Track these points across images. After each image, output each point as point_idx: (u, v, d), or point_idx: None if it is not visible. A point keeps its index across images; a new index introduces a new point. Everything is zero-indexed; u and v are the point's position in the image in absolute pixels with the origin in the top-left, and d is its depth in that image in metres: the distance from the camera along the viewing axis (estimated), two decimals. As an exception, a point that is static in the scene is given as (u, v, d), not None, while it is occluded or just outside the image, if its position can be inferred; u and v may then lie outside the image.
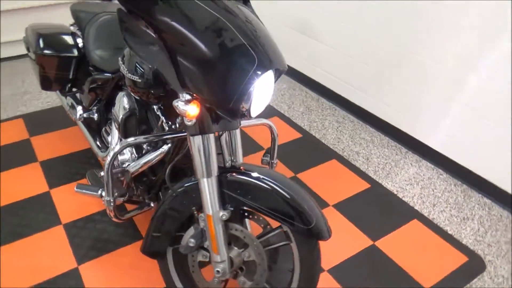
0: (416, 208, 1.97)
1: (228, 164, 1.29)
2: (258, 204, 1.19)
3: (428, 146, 2.26)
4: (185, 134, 1.27)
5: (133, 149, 1.58)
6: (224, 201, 1.22)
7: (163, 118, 1.41)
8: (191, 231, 1.26)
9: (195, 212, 1.24)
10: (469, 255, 1.75)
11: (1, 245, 1.69)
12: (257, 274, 1.27)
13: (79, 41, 1.89)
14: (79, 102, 1.94)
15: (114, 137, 1.69)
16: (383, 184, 2.11)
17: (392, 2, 2.17)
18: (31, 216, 1.83)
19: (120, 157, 1.56)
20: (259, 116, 1.19)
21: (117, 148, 1.28)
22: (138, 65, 1.28)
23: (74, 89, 2.03)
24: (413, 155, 2.33)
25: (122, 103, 1.52)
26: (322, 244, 1.22)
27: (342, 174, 2.15)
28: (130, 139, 1.28)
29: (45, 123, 2.47)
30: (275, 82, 1.15)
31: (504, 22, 1.77)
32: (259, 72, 0.99)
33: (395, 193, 2.06)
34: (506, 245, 1.82)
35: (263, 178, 1.19)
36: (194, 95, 1.05)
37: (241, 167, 1.26)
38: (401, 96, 2.32)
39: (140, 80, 1.28)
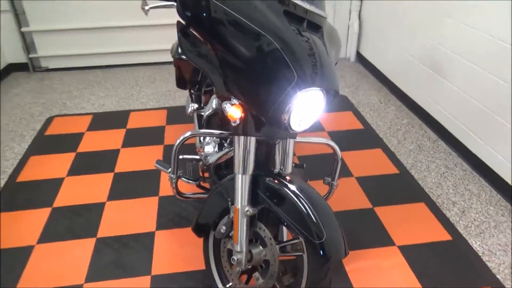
0: (498, 277, 1.71)
1: (276, 171, 1.43)
2: (280, 210, 1.29)
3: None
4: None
5: (216, 145, 1.85)
6: (255, 200, 1.36)
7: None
8: (224, 219, 1.44)
9: (230, 204, 1.41)
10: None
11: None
12: (268, 274, 1.36)
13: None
14: (195, 101, 2.33)
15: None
16: (469, 241, 1.88)
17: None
18: (139, 184, 2.29)
19: (206, 148, 1.85)
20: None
21: (186, 135, 1.55)
22: None
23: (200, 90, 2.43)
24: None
25: (211, 104, 1.80)
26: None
27: (425, 219, 2.00)
28: (191, 132, 1.52)
29: (181, 116, 2.99)
30: (327, 102, 1.24)
31: None
32: (297, 89, 1.11)
33: (480, 254, 1.82)
34: None
35: (295, 192, 1.30)
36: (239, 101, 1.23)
37: (286, 176, 1.38)
38: (526, 153, 2.02)
39: None
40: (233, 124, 1.29)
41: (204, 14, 1.16)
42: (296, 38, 1.18)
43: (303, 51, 1.15)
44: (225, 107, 1.26)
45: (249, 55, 1.15)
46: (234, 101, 1.24)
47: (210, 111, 1.76)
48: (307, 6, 1.23)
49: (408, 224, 1.98)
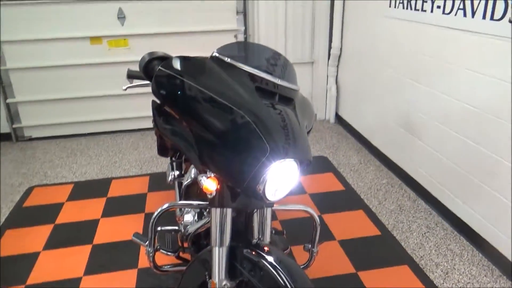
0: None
1: (254, 241, 1.42)
2: (258, 283, 1.27)
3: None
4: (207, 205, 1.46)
5: (196, 214, 1.84)
6: (233, 272, 1.33)
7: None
8: (201, 294, 1.40)
9: (207, 278, 1.38)
10: None
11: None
12: None
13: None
14: (175, 168, 2.34)
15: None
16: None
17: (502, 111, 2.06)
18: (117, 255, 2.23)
19: (185, 218, 1.84)
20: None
21: (163, 207, 1.55)
22: None
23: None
24: (507, 281, 1.99)
25: (190, 173, 1.82)
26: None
27: (408, 283, 1.98)
28: (169, 204, 1.52)
29: (164, 183, 2.99)
30: (301, 172, 1.27)
31: None
32: (271, 160, 1.14)
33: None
34: None
35: (273, 263, 1.28)
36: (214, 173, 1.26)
37: (265, 247, 1.38)
38: (502, 211, 2.05)
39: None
40: (209, 196, 1.30)
41: (179, 93, 1.22)
42: (268, 112, 1.23)
43: (275, 123, 1.20)
44: (200, 180, 1.28)
45: (223, 130, 1.19)
46: (210, 173, 1.27)
47: (189, 180, 1.77)
48: (278, 81, 1.31)
49: (393, 288, 1.95)
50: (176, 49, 3.76)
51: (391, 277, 2.02)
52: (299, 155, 1.22)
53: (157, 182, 3.03)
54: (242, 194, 1.31)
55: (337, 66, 4.05)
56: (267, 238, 1.43)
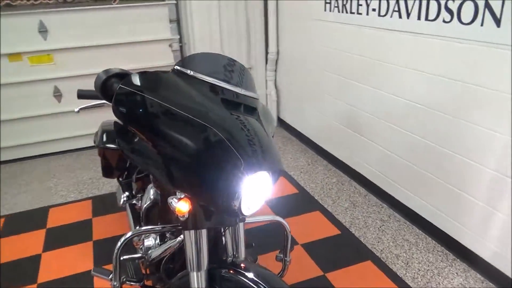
0: (455, 326, 1.76)
1: (229, 260, 1.35)
2: None
3: (477, 254, 2.05)
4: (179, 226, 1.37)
5: (157, 237, 1.72)
6: None
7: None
8: (181, 324, 1.30)
9: (185, 305, 1.29)
10: None
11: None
12: None
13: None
14: (126, 189, 2.19)
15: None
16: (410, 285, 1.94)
17: (438, 100, 2.18)
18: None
19: (146, 243, 1.71)
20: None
21: (128, 235, 1.42)
22: None
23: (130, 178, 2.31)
24: (461, 264, 2.12)
25: (148, 194, 1.70)
26: None
27: (375, 278, 2.03)
28: (133, 232, 1.41)
29: (109, 205, 2.78)
30: (274, 182, 1.23)
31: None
32: (245, 174, 1.07)
33: (432, 305, 1.87)
34: None
35: (254, 279, 1.22)
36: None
37: (241, 264, 1.31)
38: (449, 198, 2.19)
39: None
40: (181, 219, 1.22)
41: (143, 111, 1.12)
42: (237, 125, 1.18)
43: (245, 136, 1.15)
44: (171, 202, 1.19)
45: (194, 147, 1.12)
46: (180, 194, 1.19)
47: (149, 203, 1.65)
48: (241, 91, 1.26)
49: (363, 285, 1.98)
50: (108, 62, 3.54)
51: (358, 274, 2.06)
52: (272, 165, 1.18)
53: (101, 205, 2.81)
54: (216, 213, 1.25)
55: (275, 71, 4.09)
56: (242, 254, 1.38)
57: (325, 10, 3.01)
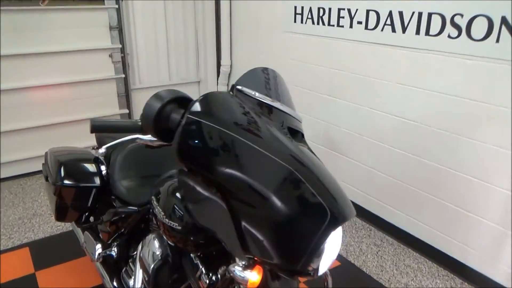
0: None
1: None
2: None
3: (488, 277, 2.00)
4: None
5: None
6: None
7: (202, 268, 1.19)
8: None
9: None
10: None
11: None
12: None
13: (103, 168, 1.75)
14: (98, 238, 1.73)
15: (137, 282, 1.46)
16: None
17: (429, 119, 2.10)
18: None
19: None
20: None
21: None
22: (177, 208, 1.12)
23: (91, 220, 1.85)
24: (472, 285, 2.05)
25: (153, 248, 1.31)
26: None
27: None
28: None
29: (54, 252, 2.23)
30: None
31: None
32: (332, 227, 0.84)
33: None
34: None
35: None
36: (256, 258, 0.87)
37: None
38: (445, 217, 2.11)
39: (179, 227, 1.10)
40: None
41: (219, 151, 0.80)
42: (311, 162, 0.93)
43: (320, 177, 0.91)
44: (234, 271, 0.88)
45: (275, 198, 0.84)
46: (241, 261, 0.89)
47: (158, 261, 1.26)
48: (293, 113, 1.05)
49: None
50: (37, 74, 2.95)
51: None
52: (351, 213, 0.94)
53: (44, 252, 2.24)
54: (287, 276, 0.96)
55: (228, 85, 3.81)
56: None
57: (294, 21, 2.83)
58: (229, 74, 3.73)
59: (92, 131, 1.00)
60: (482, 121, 1.88)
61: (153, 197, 1.25)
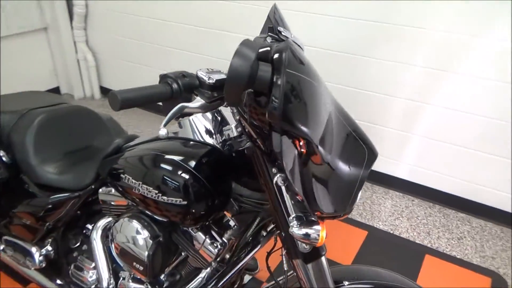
0: (417, 242, 1.98)
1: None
2: None
3: (393, 176, 2.33)
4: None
5: None
6: None
7: (206, 238, 1.07)
8: None
9: None
10: (489, 275, 1.81)
11: None
12: None
13: (2, 154, 1.35)
14: (25, 240, 1.37)
15: (103, 273, 1.25)
16: (376, 226, 2.07)
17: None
18: None
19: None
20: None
21: None
22: (168, 178, 0.96)
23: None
24: (380, 188, 2.37)
25: (133, 232, 1.10)
26: None
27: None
28: None
29: None
30: None
31: (448, 58, 1.94)
32: (371, 164, 0.87)
33: (391, 232, 2.03)
34: (503, 252, 1.95)
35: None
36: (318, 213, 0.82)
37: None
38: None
39: (184, 202, 0.96)
40: (304, 251, 0.89)
41: (307, 102, 0.71)
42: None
43: (350, 121, 0.93)
44: (303, 232, 0.84)
45: (339, 149, 0.83)
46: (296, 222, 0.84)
47: (152, 246, 1.06)
48: None
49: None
50: None
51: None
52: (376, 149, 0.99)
53: None
54: None
55: (85, 29, 3.24)
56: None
57: None
58: (86, 16, 3.16)
59: (120, 108, 0.73)
60: (381, 41, 2.06)
61: (122, 173, 1.04)
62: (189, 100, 0.83)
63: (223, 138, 1.03)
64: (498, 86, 1.90)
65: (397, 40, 2.02)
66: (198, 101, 0.83)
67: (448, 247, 1.96)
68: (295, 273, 0.97)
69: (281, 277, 1.12)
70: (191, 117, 1.02)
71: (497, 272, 1.83)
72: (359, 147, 0.87)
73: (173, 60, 2.89)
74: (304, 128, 0.69)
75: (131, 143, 1.19)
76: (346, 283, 1.05)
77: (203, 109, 0.85)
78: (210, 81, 0.81)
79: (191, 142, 1.04)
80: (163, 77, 0.81)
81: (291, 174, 0.76)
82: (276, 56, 0.68)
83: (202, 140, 1.04)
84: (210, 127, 1.05)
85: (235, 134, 0.96)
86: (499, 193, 2.08)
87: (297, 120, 0.69)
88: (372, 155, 0.89)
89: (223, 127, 1.03)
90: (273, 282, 1.16)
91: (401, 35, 2.00)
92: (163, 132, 0.86)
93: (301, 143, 0.71)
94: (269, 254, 1.12)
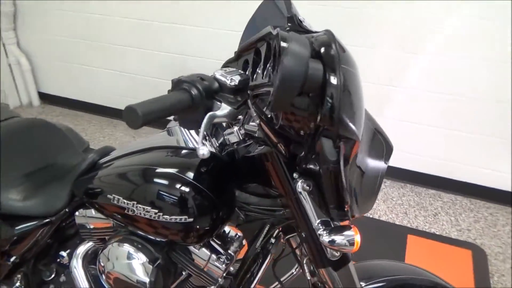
0: (397, 223, 2.00)
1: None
2: None
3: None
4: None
5: None
6: None
7: (212, 255, 0.97)
8: None
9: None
10: (469, 247, 1.87)
11: None
12: None
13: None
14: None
15: None
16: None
17: None
18: None
19: None
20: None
21: None
22: (167, 194, 0.86)
23: None
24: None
25: (126, 258, 0.97)
26: None
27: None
28: None
29: None
30: None
31: (420, 39, 1.96)
32: (387, 158, 0.87)
33: (370, 216, 2.03)
34: (476, 223, 2.02)
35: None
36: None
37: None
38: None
39: (190, 219, 0.86)
40: (333, 259, 0.84)
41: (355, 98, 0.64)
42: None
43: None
44: (334, 240, 0.78)
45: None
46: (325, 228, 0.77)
47: (153, 271, 0.93)
48: None
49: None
50: None
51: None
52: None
53: None
54: None
55: (15, 29, 2.90)
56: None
57: None
58: (15, 15, 2.83)
59: (142, 125, 0.59)
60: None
61: (85, 196, 0.93)
62: (211, 108, 0.71)
63: (219, 142, 0.93)
64: (465, 63, 1.95)
65: (363, 24, 2.01)
66: (224, 108, 0.71)
67: (427, 224, 2.00)
68: (319, 282, 0.91)
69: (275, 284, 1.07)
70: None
71: (475, 243, 1.90)
72: (377, 141, 0.86)
73: (115, 58, 2.68)
74: (355, 130, 0.62)
75: (108, 158, 1.04)
76: (362, 284, 0.99)
77: (230, 117, 0.73)
78: (232, 83, 0.70)
79: (183, 151, 0.93)
80: (178, 83, 0.68)
81: (327, 178, 0.68)
82: (324, 50, 0.59)
83: (196, 146, 0.92)
84: None
85: (239, 138, 0.85)
86: (466, 167, 2.16)
87: (351, 121, 0.61)
88: (389, 147, 0.88)
89: (221, 131, 0.93)
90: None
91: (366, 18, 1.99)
92: (204, 151, 0.69)
93: (345, 145, 0.64)
94: (276, 261, 1.04)
